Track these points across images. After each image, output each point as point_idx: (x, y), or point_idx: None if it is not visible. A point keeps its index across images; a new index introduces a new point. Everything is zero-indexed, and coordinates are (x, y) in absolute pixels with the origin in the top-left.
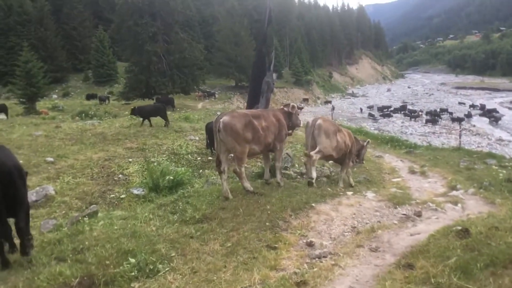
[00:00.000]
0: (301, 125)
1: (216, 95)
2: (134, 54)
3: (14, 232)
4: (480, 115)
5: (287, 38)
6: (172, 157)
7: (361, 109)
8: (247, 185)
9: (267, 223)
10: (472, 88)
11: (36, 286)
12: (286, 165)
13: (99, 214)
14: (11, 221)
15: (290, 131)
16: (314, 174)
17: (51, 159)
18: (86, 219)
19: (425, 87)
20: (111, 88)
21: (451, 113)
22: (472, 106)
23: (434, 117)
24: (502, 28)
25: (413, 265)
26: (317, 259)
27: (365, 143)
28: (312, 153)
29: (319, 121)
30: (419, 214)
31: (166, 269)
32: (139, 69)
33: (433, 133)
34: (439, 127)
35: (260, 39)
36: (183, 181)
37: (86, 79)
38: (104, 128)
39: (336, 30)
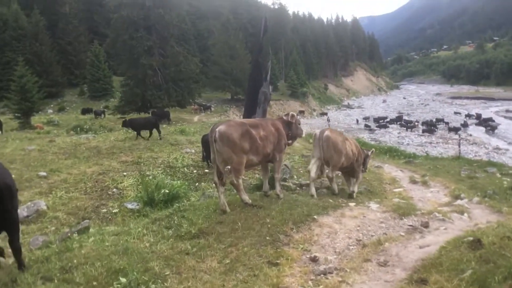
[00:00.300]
0: (303, 135)
1: (212, 108)
2: (130, 68)
3: None
4: (476, 124)
5: (282, 50)
6: (168, 170)
7: (357, 121)
8: (245, 197)
9: (267, 238)
10: (467, 97)
11: None
12: (284, 176)
13: (91, 230)
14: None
15: (290, 141)
16: (335, 188)
17: (44, 174)
18: (75, 235)
19: (420, 97)
20: (106, 103)
21: (447, 123)
22: (468, 115)
23: (430, 127)
24: (495, 38)
25: (426, 280)
26: (322, 275)
27: (369, 152)
28: (329, 174)
29: (326, 133)
30: (426, 225)
31: None
32: (135, 82)
33: (430, 143)
34: (436, 137)
35: (256, 49)
36: (179, 194)
37: (82, 93)
38: (98, 142)
39: (331, 42)
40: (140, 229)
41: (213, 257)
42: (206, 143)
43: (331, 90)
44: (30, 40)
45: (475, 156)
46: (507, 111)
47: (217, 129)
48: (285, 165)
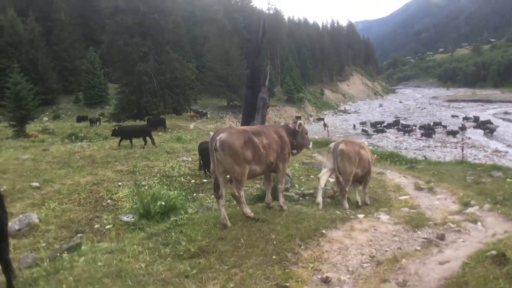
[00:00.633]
0: (310, 146)
1: (208, 115)
2: (125, 74)
3: None
4: (474, 127)
5: (278, 56)
6: (164, 180)
7: (354, 126)
8: (247, 210)
9: (273, 256)
10: (464, 100)
11: None
12: (286, 186)
13: (83, 247)
14: None
15: (295, 151)
16: (346, 205)
17: (37, 184)
18: (65, 254)
19: (417, 101)
20: (102, 110)
21: (445, 127)
22: (466, 118)
23: (428, 131)
24: (492, 40)
25: None
26: None
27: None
28: (336, 188)
29: (341, 146)
30: (442, 237)
31: None
32: (130, 89)
33: (428, 147)
34: (434, 141)
35: (254, 53)
36: (176, 205)
37: (77, 101)
38: (93, 151)
39: (326, 47)
40: (135, 246)
41: (216, 280)
42: (203, 151)
43: (327, 95)
44: (26, 46)
45: (475, 159)
46: (505, 113)
47: (217, 137)
48: (286, 173)
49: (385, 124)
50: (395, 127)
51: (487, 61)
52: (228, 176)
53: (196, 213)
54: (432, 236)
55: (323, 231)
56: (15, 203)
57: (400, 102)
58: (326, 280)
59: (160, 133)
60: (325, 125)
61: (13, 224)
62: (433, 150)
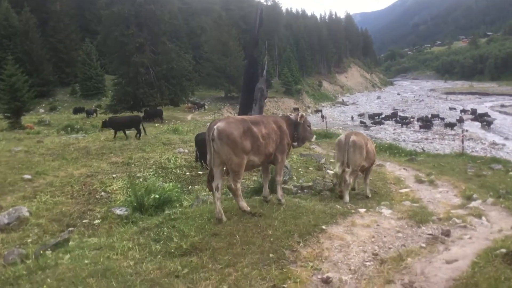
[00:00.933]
0: (313, 139)
1: (206, 106)
2: (121, 65)
3: None
4: (472, 119)
5: (276, 47)
6: (160, 172)
7: (352, 117)
8: (244, 204)
9: (270, 255)
10: (461, 93)
11: None
12: (284, 178)
13: (71, 243)
14: None
15: (295, 143)
16: (347, 198)
17: (29, 177)
18: (49, 252)
19: (415, 93)
20: (99, 102)
21: (442, 119)
22: (463, 111)
23: (426, 123)
24: (489, 33)
25: None
26: None
27: None
28: (346, 176)
29: (352, 138)
30: (447, 234)
31: None
32: (126, 81)
33: (426, 139)
34: (432, 133)
35: (252, 43)
36: (171, 198)
37: (74, 92)
38: (88, 142)
39: (324, 38)
40: (125, 242)
41: (208, 281)
42: (199, 142)
43: (325, 87)
44: (21, 38)
45: (472, 151)
46: (502, 106)
47: (215, 127)
48: (284, 166)
49: (383, 116)
50: (393, 119)
51: (484, 54)
52: (224, 168)
53: (191, 206)
54: (437, 232)
55: (323, 226)
56: (6, 196)
57: (398, 94)
58: (326, 281)
59: (156, 125)
60: (323, 116)
61: (2, 218)
62: (431, 142)
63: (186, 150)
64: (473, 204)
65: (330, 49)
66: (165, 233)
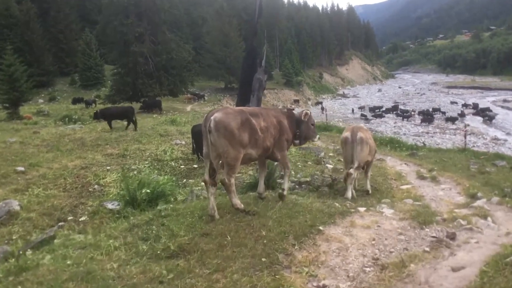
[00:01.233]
0: (316, 139)
1: (206, 97)
2: (120, 55)
3: None
4: (474, 114)
5: (277, 39)
6: (155, 164)
7: (352, 110)
8: (237, 201)
9: (263, 259)
10: (463, 87)
11: None
12: (281, 173)
13: (56, 241)
14: None
15: (297, 141)
16: (350, 194)
17: (22, 169)
18: (29, 252)
19: (416, 87)
20: (98, 92)
21: (443, 113)
22: (465, 105)
23: (427, 116)
24: (492, 27)
25: None
26: None
27: None
28: (351, 171)
29: (360, 135)
30: (452, 237)
31: None
32: (125, 71)
33: (427, 133)
34: (433, 127)
35: (251, 32)
36: (165, 192)
37: (73, 82)
38: (84, 133)
39: (326, 30)
40: (111, 241)
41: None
42: (196, 134)
43: (326, 79)
44: (21, 28)
45: (473, 146)
46: (505, 101)
47: (212, 117)
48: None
49: (383, 109)
50: (394, 112)
51: (487, 48)
52: (221, 162)
53: (184, 201)
54: (442, 234)
55: (320, 227)
56: None
57: (399, 87)
58: None
59: (154, 115)
60: (323, 108)
61: None
62: (432, 136)
63: (183, 142)
64: (477, 203)
65: (331, 41)
66: (153, 231)
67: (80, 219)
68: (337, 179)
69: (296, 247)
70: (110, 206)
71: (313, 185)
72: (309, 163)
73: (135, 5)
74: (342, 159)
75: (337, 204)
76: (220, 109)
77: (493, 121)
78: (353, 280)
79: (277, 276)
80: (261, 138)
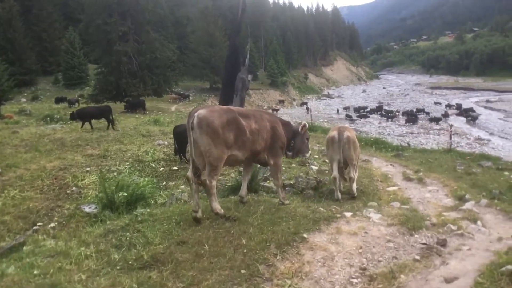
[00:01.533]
0: (308, 155)
1: (191, 97)
2: (104, 54)
3: None
4: (457, 114)
5: (262, 39)
6: (136, 165)
7: (337, 110)
8: (217, 206)
9: (242, 270)
10: (447, 88)
11: None
12: (264, 175)
13: (25, 248)
14: None
15: (290, 153)
16: (355, 190)
17: None
18: None
19: (400, 87)
20: (82, 91)
21: (427, 113)
22: (448, 105)
23: (411, 117)
24: (475, 29)
25: None
26: None
27: None
28: (351, 175)
29: (346, 134)
30: (443, 243)
31: None
32: (109, 70)
33: (411, 133)
34: (417, 127)
35: (234, 30)
36: (144, 195)
37: (56, 82)
38: (64, 133)
39: (311, 31)
40: (83, 248)
41: None
42: (178, 134)
43: (311, 79)
44: (3, 26)
45: (457, 146)
46: (487, 101)
47: (195, 114)
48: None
49: (368, 109)
50: (378, 113)
51: (470, 49)
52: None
53: (164, 204)
54: (432, 241)
55: (304, 235)
56: None
57: (384, 88)
58: None
59: (137, 116)
60: (308, 109)
61: None
62: (416, 137)
63: (166, 142)
64: (466, 206)
65: (316, 41)
66: (128, 238)
67: (55, 223)
68: (322, 181)
69: (278, 257)
70: (87, 209)
71: (298, 188)
72: (293, 164)
73: (118, 3)
74: (327, 160)
75: (322, 209)
76: (205, 106)
77: (476, 121)
78: None
79: None
80: (249, 140)
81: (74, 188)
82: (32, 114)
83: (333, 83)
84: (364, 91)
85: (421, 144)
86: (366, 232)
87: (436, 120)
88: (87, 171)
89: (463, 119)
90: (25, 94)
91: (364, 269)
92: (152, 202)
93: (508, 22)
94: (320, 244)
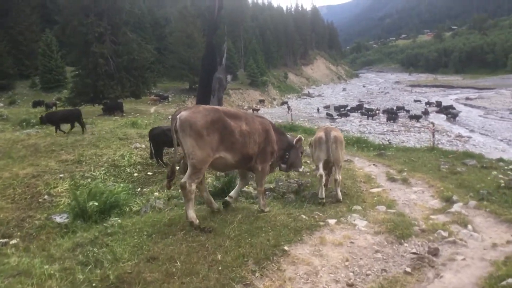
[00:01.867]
0: (300, 169)
1: (170, 99)
2: (80, 56)
3: None
4: (437, 112)
5: (241, 39)
6: (112, 171)
7: (318, 109)
8: (193, 214)
9: None
10: (426, 86)
11: None
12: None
13: None
14: None
15: (284, 166)
16: (340, 195)
17: None
18: None
19: (380, 86)
20: (59, 94)
21: (408, 111)
22: (428, 103)
23: (392, 115)
24: (453, 27)
25: None
26: None
27: None
28: (337, 177)
29: (334, 134)
30: (435, 252)
31: None
32: (86, 72)
33: (392, 131)
34: (398, 125)
35: (210, 29)
36: (119, 202)
37: (34, 85)
38: (38, 138)
39: (290, 30)
40: (47, 266)
41: None
42: (154, 137)
43: (291, 78)
44: None
45: (438, 143)
46: (467, 98)
47: (178, 116)
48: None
49: (348, 108)
50: (359, 111)
51: (448, 47)
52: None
53: (138, 212)
54: (423, 249)
55: (285, 247)
56: None
57: (364, 86)
58: None
59: (114, 118)
60: (289, 108)
61: None
62: (397, 135)
63: (143, 146)
64: (454, 208)
65: (296, 41)
66: (95, 254)
67: (24, 235)
68: (303, 184)
69: (256, 274)
70: (58, 219)
71: (278, 192)
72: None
73: (95, 4)
74: (308, 161)
75: (304, 216)
76: (189, 107)
77: (457, 118)
78: None
79: None
80: (239, 142)
81: (46, 196)
82: (9, 119)
83: (313, 82)
84: (344, 89)
85: (402, 142)
86: (352, 242)
87: (416, 117)
88: (61, 177)
89: (443, 116)
90: (2, 98)
91: (351, 284)
92: (127, 209)
93: (486, 20)
94: (303, 257)
